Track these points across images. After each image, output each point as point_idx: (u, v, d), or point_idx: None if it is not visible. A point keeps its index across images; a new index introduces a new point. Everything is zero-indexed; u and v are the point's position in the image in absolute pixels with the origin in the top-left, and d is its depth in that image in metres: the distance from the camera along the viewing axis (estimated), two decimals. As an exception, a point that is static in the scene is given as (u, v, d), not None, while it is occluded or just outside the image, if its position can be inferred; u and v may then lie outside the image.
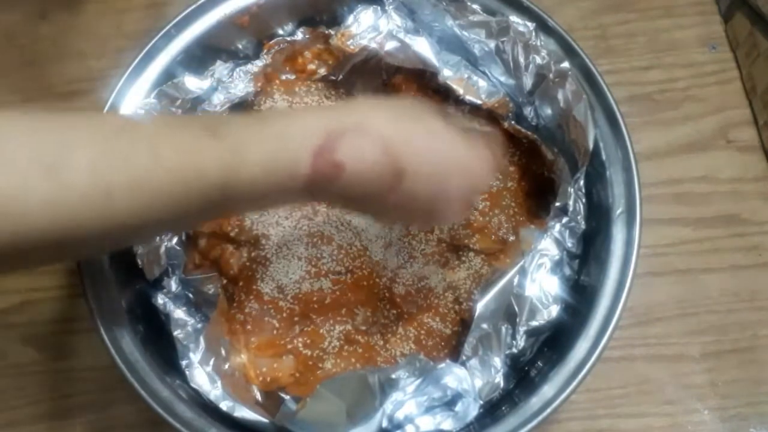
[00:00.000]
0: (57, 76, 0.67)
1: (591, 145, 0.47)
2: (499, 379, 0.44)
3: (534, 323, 0.45)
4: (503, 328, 0.45)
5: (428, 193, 0.41)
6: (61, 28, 0.69)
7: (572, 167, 0.49)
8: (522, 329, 0.45)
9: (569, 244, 0.47)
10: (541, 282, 0.45)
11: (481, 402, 0.43)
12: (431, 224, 0.52)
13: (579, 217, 0.48)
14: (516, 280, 0.45)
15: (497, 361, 0.44)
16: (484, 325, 0.45)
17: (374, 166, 0.39)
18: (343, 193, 0.39)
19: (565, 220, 0.47)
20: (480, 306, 0.45)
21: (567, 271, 0.48)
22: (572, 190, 0.48)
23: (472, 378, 0.43)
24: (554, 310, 0.45)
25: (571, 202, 0.48)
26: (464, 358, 0.45)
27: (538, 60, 0.50)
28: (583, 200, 0.48)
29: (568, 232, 0.47)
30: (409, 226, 0.53)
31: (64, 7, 0.70)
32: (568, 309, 0.46)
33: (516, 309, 0.45)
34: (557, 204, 0.48)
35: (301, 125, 0.39)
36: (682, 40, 0.67)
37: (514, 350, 0.45)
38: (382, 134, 0.39)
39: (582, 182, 0.48)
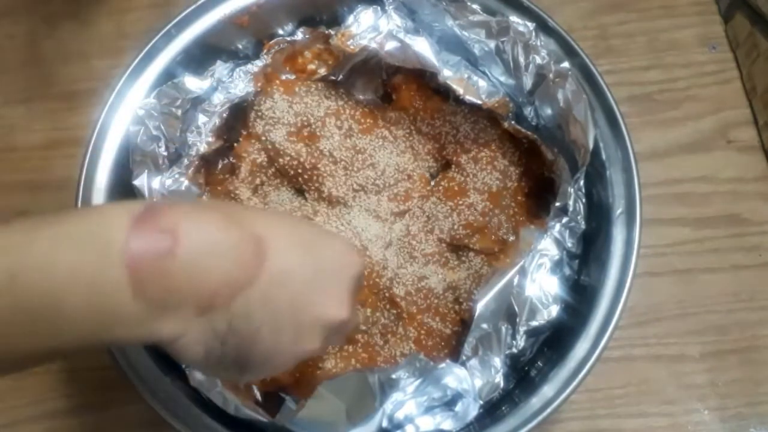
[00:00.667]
0: (57, 76, 0.68)
1: (591, 145, 0.47)
2: (499, 379, 0.44)
3: (534, 323, 0.45)
4: (503, 328, 0.45)
5: (306, 269, 0.33)
6: (61, 29, 0.69)
7: (572, 167, 0.49)
8: (522, 329, 0.45)
9: (569, 244, 0.47)
10: (541, 282, 0.45)
11: (481, 402, 0.43)
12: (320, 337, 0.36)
13: (579, 217, 0.48)
14: (516, 280, 0.45)
15: (497, 361, 0.44)
16: (484, 325, 0.45)
17: (219, 239, 0.31)
18: (180, 286, 0.30)
19: (565, 220, 0.47)
20: (480, 306, 0.45)
21: (567, 271, 0.48)
22: (572, 190, 0.48)
23: (472, 378, 0.43)
24: (554, 310, 0.45)
25: (571, 202, 0.48)
26: (464, 358, 0.45)
27: (538, 60, 0.50)
28: (583, 200, 0.48)
29: (568, 232, 0.47)
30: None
31: (65, 8, 0.70)
32: (568, 309, 0.46)
33: (516, 309, 0.45)
34: (557, 204, 0.48)
35: (109, 209, 0.32)
36: (682, 40, 0.67)
37: (514, 350, 0.45)
38: (220, 209, 0.33)
39: (582, 182, 0.48)
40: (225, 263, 0.31)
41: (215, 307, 0.31)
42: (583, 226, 0.48)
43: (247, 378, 0.36)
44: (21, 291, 0.28)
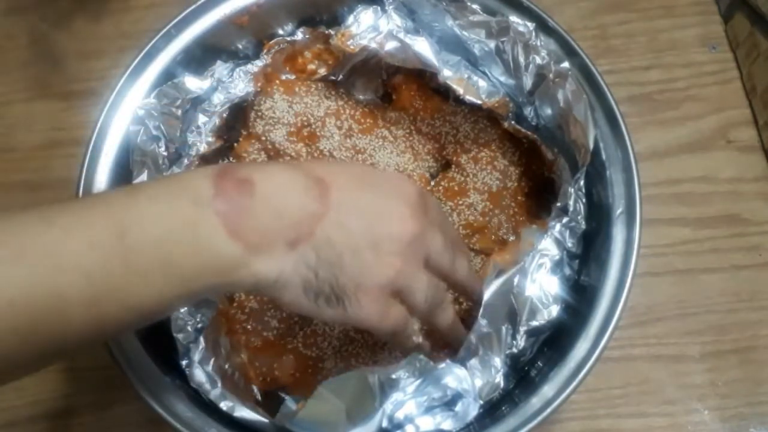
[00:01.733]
0: (57, 76, 0.68)
1: (591, 145, 0.47)
2: (500, 379, 0.44)
3: (534, 323, 0.45)
4: (503, 328, 0.45)
5: (366, 195, 0.37)
6: (61, 29, 0.69)
7: (572, 167, 0.49)
8: (522, 329, 0.45)
9: (569, 244, 0.47)
10: (541, 282, 0.45)
11: (481, 402, 0.43)
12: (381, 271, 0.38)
13: (579, 217, 0.48)
14: (516, 280, 0.45)
15: (497, 361, 0.44)
16: (484, 325, 0.45)
17: (289, 182, 0.35)
18: (266, 224, 0.34)
19: (565, 220, 0.47)
20: (480, 306, 0.45)
21: (567, 271, 0.48)
22: (572, 190, 0.48)
23: (472, 378, 0.43)
24: (554, 310, 0.45)
25: (571, 202, 0.48)
26: (464, 357, 0.45)
27: (538, 60, 0.50)
28: (583, 200, 0.48)
29: (568, 232, 0.47)
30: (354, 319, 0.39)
31: (65, 8, 0.70)
32: (568, 309, 0.46)
33: (516, 309, 0.45)
34: (558, 204, 0.48)
35: (189, 172, 0.36)
36: (682, 40, 0.67)
37: (514, 350, 0.45)
38: (280, 162, 0.37)
39: (582, 182, 0.48)
40: (298, 199, 0.35)
41: (300, 240, 0.35)
42: (583, 226, 0.48)
43: (352, 312, 0.37)
44: (130, 248, 0.32)
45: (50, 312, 0.31)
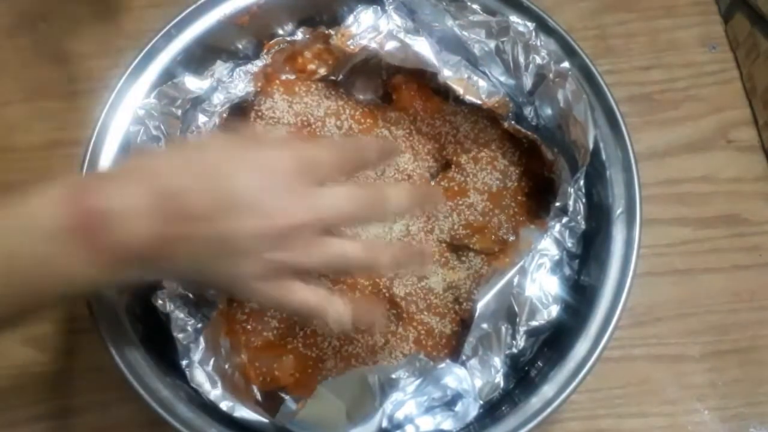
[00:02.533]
0: (57, 76, 0.67)
1: (591, 145, 0.47)
2: (499, 379, 0.44)
3: (534, 323, 0.45)
4: (503, 328, 0.45)
5: (213, 217, 0.36)
6: (61, 28, 0.69)
7: (572, 167, 0.49)
8: (522, 329, 0.45)
9: (569, 244, 0.47)
10: (541, 282, 0.45)
11: (481, 402, 0.43)
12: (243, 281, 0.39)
13: (579, 217, 0.48)
14: (516, 280, 0.45)
15: (497, 361, 0.44)
16: (484, 325, 0.45)
17: (138, 205, 0.35)
18: (118, 252, 0.35)
19: (565, 220, 0.47)
20: (480, 306, 0.45)
21: (567, 271, 0.48)
22: (572, 190, 0.48)
23: (472, 378, 0.43)
24: (554, 310, 0.45)
25: (571, 202, 0.48)
26: (464, 358, 0.45)
27: (538, 60, 0.50)
28: (583, 200, 0.48)
29: (568, 232, 0.47)
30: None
31: (64, 8, 0.70)
32: (568, 309, 0.46)
33: (516, 309, 0.45)
34: (557, 204, 0.48)
35: (39, 200, 0.35)
36: (682, 40, 0.67)
37: (514, 350, 0.45)
38: (131, 174, 0.37)
39: (582, 182, 0.48)
40: (147, 222, 0.35)
41: (156, 258, 0.36)
42: (583, 226, 0.48)
43: (253, 299, 0.41)
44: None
45: None
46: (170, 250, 0.36)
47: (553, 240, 0.46)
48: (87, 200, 0.35)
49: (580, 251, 0.48)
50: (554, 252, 0.46)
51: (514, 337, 0.45)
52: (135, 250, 0.35)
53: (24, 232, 0.35)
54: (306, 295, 0.39)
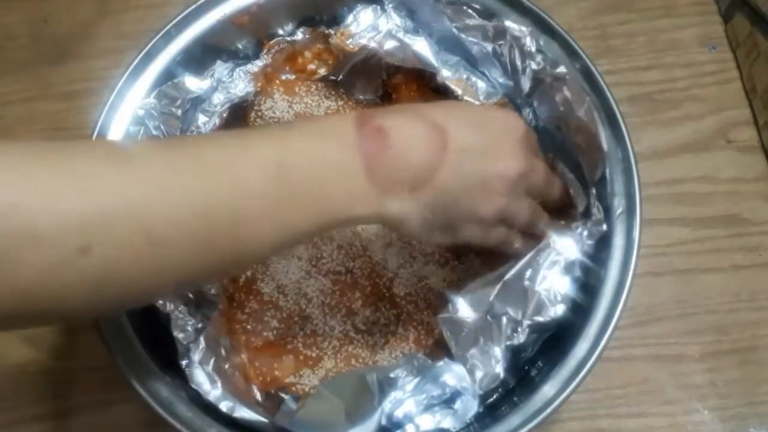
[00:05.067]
0: (57, 76, 0.67)
1: (605, 146, 0.47)
2: (499, 370, 0.43)
3: (539, 318, 0.44)
4: (504, 318, 0.44)
5: (479, 142, 0.41)
6: (61, 28, 0.69)
7: (573, 168, 0.49)
8: (526, 322, 0.44)
9: (587, 247, 0.46)
10: (552, 279, 0.45)
11: (481, 392, 0.43)
12: (494, 208, 0.43)
13: (599, 219, 0.47)
14: (528, 273, 0.45)
15: (497, 351, 0.44)
16: (484, 316, 0.45)
17: (414, 132, 0.39)
18: (396, 171, 0.39)
19: (588, 223, 0.47)
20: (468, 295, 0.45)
21: (578, 272, 0.47)
22: (594, 191, 0.47)
23: (472, 369, 0.43)
24: (560, 309, 0.44)
25: (594, 209, 0.47)
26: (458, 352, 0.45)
27: (534, 65, 0.50)
28: (598, 204, 0.48)
29: (587, 234, 0.47)
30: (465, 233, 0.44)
31: (64, 8, 0.70)
32: (571, 309, 0.46)
33: (523, 300, 0.44)
34: (580, 208, 0.48)
35: (331, 117, 0.42)
36: (682, 40, 0.67)
37: (515, 342, 0.44)
38: (408, 110, 0.42)
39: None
40: (422, 149, 0.39)
41: (422, 186, 0.39)
42: (604, 228, 0.47)
43: (460, 237, 0.43)
44: (287, 176, 0.36)
45: (225, 222, 0.34)
46: (437, 177, 0.39)
47: (572, 241, 0.46)
48: (376, 121, 0.39)
49: (593, 253, 0.48)
50: (571, 252, 0.46)
51: (515, 329, 0.44)
52: (411, 170, 0.39)
53: (325, 146, 0.38)
54: (513, 239, 0.45)
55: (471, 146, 0.41)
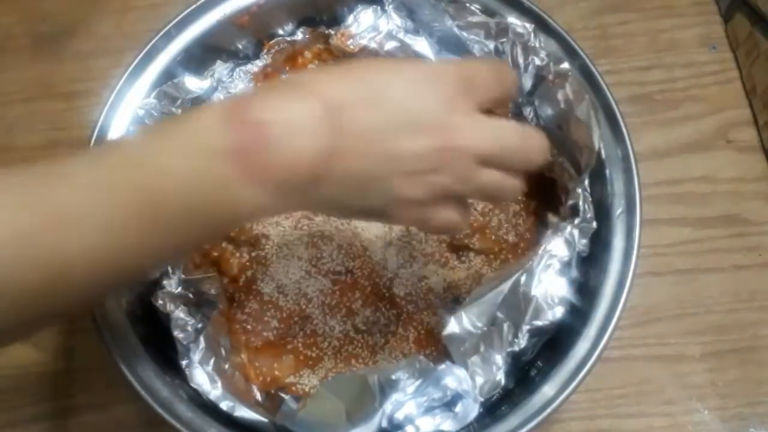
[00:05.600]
0: (57, 76, 0.67)
1: (597, 145, 0.47)
2: (500, 377, 0.44)
3: (538, 323, 0.44)
4: (505, 326, 0.45)
5: (380, 130, 0.34)
6: (61, 28, 0.69)
7: (575, 167, 0.49)
8: (525, 328, 0.44)
9: (581, 246, 0.46)
10: (548, 283, 0.45)
11: (482, 399, 0.43)
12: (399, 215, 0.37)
13: (589, 216, 0.47)
14: (523, 279, 0.45)
15: (498, 359, 0.44)
16: (486, 323, 0.45)
17: (301, 117, 0.33)
18: (282, 172, 0.33)
19: (577, 221, 0.47)
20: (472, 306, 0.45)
21: (574, 273, 0.47)
22: (580, 190, 0.48)
23: (473, 375, 0.43)
24: (559, 312, 0.44)
25: (580, 203, 0.47)
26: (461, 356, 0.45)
27: (537, 62, 0.50)
28: (590, 200, 0.48)
29: (578, 232, 0.47)
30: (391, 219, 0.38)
31: (64, 8, 0.70)
32: (570, 310, 0.46)
33: (521, 307, 0.45)
34: (570, 202, 0.48)
35: (199, 113, 0.34)
36: (682, 40, 0.67)
37: (516, 348, 0.44)
38: (291, 84, 0.35)
39: (587, 182, 0.48)
40: (312, 135, 0.33)
41: (320, 178, 0.33)
42: (594, 226, 0.47)
43: (391, 221, 0.39)
44: (151, 200, 0.32)
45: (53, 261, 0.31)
46: (337, 168, 0.33)
47: (563, 241, 0.46)
48: (251, 114, 0.32)
49: (588, 252, 0.48)
50: (564, 253, 0.46)
51: (516, 336, 0.45)
52: (303, 166, 0.33)
53: (189, 156, 0.32)
54: (451, 215, 0.37)
55: (374, 126, 0.34)
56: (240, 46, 0.56)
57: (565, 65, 0.49)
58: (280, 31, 0.57)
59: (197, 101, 0.54)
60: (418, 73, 0.35)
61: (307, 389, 0.50)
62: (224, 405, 0.44)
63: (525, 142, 0.37)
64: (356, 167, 0.34)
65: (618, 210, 0.48)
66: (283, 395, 0.49)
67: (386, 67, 0.36)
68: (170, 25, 0.53)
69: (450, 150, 0.34)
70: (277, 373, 0.50)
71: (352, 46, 0.54)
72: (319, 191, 0.34)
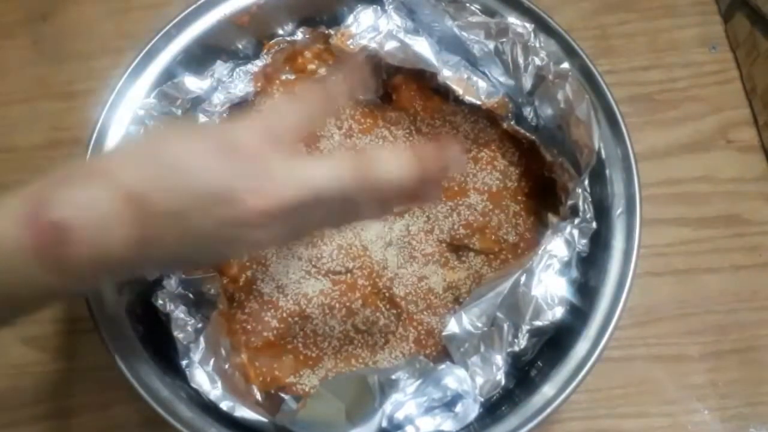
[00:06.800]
0: (57, 76, 0.67)
1: (596, 145, 0.47)
2: (500, 377, 0.44)
3: (538, 323, 0.44)
4: (505, 326, 0.45)
5: (177, 201, 0.33)
6: (61, 28, 0.69)
7: (575, 167, 0.49)
8: (525, 328, 0.44)
9: (581, 246, 0.47)
10: (547, 283, 0.45)
11: (482, 399, 0.43)
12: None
13: (588, 216, 0.47)
14: (523, 279, 0.45)
15: (498, 359, 0.44)
16: (486, 323, 0.45)
17: (102, 212, 0.32)
18: (91, 264, 0.33)
19: (576, 221, 0.47)
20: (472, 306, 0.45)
21: (574, 273, 0.48)
22: (579, 190, 0.48)
23: (473, 375, 0.43)
24: (559, 312, 0.45)
25: (580, 203, 0.48)
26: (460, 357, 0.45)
27: (537, 61, 0.50)
28: (590, 200, 0.48)
29: (578, 232, 0.47)
30: None
31: (65, 8, 0.70)
32: (570, 310, 0.46)
33: (520, 307, 0.45)
34: (570, 202, 0.48)
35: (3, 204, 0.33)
36: (682, 40, 0.67)
37: (516, 348, 0.44)
38: (98, 167, 0.34)
39: (587, 182, 0.48)
40: (118, 234, 0.32)
41: (137, 263, 0.34)
42: (594, 226, 0.47)
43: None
44: None
45: None
46: (154, 253, 0.34)
47: (563, 241, 0.46)
48: (46, 214, 0.32)
49: (588, 252, 0.48)
50: (564, 253, 0.46)
51: (516, 336, 0.45)
52: (114, 258, 0.33)
53: None
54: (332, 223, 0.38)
55: (178, 208, 0.33)
56: (240, 46, 0.56)
57: (565, 65, 0.49)
58: (280, 31, 0.57)
59: (197, 101, 0.54)
60: (209, 142, 0.34)
61: (307, 389, 0.50)
62: (224, 405, 0.44)
63: (361, 170, 0.35)
64: (174, 248, 0.34)
65: (618, 210, 0.48)
66: (283, 395, 0.50)
67: (183, 147, 0.34)
68: (170, 25, 0.53)
69: (258, 211, 0.33)
70: (277, 373, 0.50)
71: (352, 46, 0.54)
72: (140, 266, 0.35)
